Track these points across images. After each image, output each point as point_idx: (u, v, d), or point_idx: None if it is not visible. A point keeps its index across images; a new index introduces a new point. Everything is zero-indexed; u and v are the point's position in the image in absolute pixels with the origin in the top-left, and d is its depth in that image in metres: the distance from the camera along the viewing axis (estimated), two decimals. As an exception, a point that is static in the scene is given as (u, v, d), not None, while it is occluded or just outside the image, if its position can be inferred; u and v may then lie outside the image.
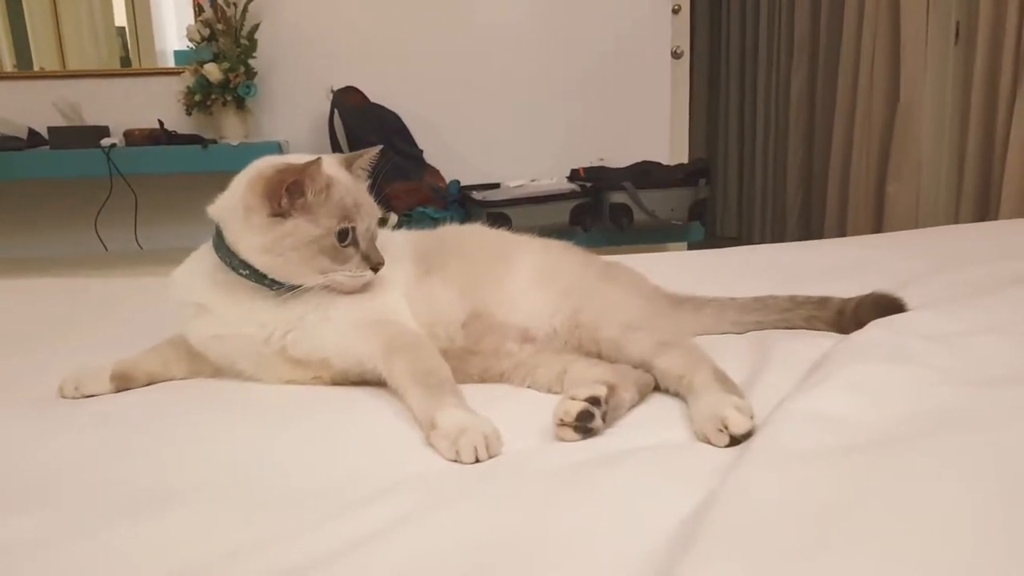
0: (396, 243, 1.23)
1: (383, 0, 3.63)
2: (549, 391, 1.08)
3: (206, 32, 3.22)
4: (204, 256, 1.17)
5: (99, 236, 3.46)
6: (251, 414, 1.03)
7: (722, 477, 0.72)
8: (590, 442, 0.89)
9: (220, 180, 1.15)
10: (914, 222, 3.68)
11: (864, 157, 3.88)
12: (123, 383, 1.15)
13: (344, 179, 1.14)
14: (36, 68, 3.51)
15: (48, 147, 3.20)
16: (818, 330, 1.23)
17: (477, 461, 0.85)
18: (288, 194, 1.06)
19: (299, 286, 1.09)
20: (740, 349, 1.16)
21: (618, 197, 3.22)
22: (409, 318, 1.15)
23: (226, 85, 3.22)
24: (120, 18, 3.57)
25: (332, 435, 0.96)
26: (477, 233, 1.35)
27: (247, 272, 1.10)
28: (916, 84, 3.63)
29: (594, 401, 0.91)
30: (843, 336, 1.14)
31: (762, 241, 4.77)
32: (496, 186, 3.39)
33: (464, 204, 3.31)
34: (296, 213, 1.07)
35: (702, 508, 0.67)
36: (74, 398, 1.12)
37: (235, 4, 3.28)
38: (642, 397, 1.01)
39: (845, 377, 0.92)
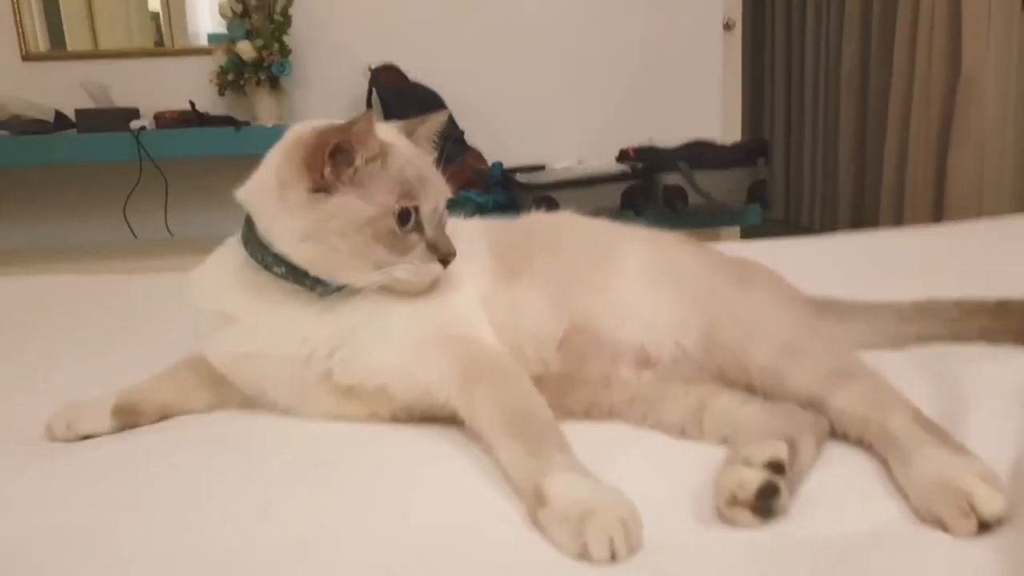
0: (469, 235, 1.01)
1: (421, -27, 3.47)
2: (682, 434, 0.86)
3: (238, 8, 3.07)
4: (230, 252, 0.97)
5: (128, 223, 3.35)
6: (282, 470, 0.81)
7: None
8: (770, 527, 0.67)
9: (253, 163, 0.97)
10: (978, 202, 3.50)
11: (922, 133, 3.70)
12: (128, 419, 0.95)
13: (405, 147, 0.94)
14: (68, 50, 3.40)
15: (76, 131, 3.08)
16: (997, 343, 1.02)
17: (613, 559, 0.62)
18: (333, 161, 0.86)
19: (348, 286, 0.89)
20: (908, 372, 0.92)
21: (672, 179, 3.05)
22: (491, 334, 0.94)
23: (259, 63, 3.07)
24: (154, 3, 3.45)
25: (394, 505, 0.73)
26: (568, 223, 1.12)
27: (283, 269, 0.89)
28: (978, 54, 3.45)
29: (777, 467, 0.69)
30: None
31: (811, 223, 4.60)
32: (541, 168, 3.22)
33: (508, 187, 3.16)
34: (343, 187, 0.87)
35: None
36: (66, 440, 0.92)
37: (268, -22, 3.13)
38: (819, 451, 0.79)
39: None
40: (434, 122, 1.02)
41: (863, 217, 4.13)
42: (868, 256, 1.67)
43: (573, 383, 0.94)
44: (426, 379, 0.87)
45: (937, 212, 3.63)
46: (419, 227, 0.91)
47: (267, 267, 0.91)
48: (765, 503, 0.67)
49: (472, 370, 0.85)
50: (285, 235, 0.89)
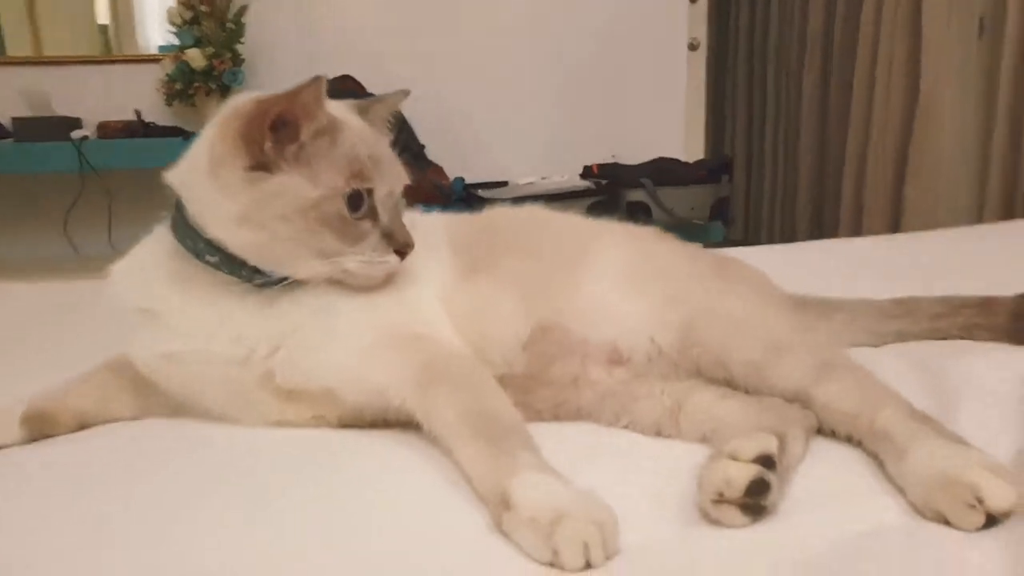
0: (428, 228, 0.93)
1: (381, -17, 3.41)
2: (658, 433, 0.80)
3: (188, 15, 2.96)
4: (157, 241, 0.87)
5: (68, 238, 3.19)
6: (220, 485, 0.71)
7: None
8: (759, 528, 0.61)
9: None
10: (933, 225, 3.53)
11: (880, 156, 3.73)
12: (41, 428, 0.84)
13: (357, 125, 0.85)
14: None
15: (12, 140, 2.94)
16: (979, 340, 0.98)
17: (588, 567, 0.55)
18: (274, 135, 0.77)
19: (290, 277, 0.80)
20: (891, 369, 0.85)
21: (635, 195, 3.03)
22: (451, 332, 0.86)
23: (210, 72, 2.96)
24: (103, 16, 3.32)
25: (348, 515, 0.65)
26: (537, 217, 1.04)
27: (216, 258, 0.80)
28: (938, 80, 3.49)
29: (767, 461, 0.63)
30: None
31: (770, 243, 4.60)
32: (504, 184, 3.18)
33: (469, 203, 3.09)
34: (286, 165, 0.78)
35: None
36: None
37: (221, -15, 3.03)
38: (808, 446, 0.73)
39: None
40: (391, 102, 0.93)
41: (822, 239, 4.15)
42: (829, 262, 1.64)
43: (539, 383, 0.87)
44: (379, 381, 0.78)
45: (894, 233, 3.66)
46: (373, 213, 0.82)
47: (198, 255, 0.81)
48: (755, 500, 0.61)
49: (430, 371, 0.78)
50: (219, 219, 0.79)
